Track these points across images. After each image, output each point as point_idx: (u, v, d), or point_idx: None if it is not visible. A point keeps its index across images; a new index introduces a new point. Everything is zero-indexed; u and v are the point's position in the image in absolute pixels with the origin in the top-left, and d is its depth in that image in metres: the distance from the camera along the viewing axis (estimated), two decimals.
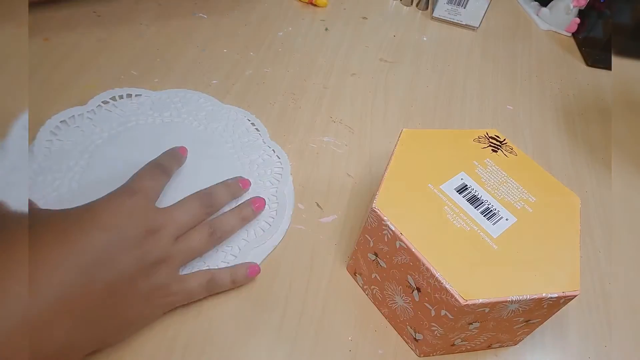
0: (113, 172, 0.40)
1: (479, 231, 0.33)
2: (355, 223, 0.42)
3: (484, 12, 0.66)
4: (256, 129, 0.47)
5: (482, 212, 0.34)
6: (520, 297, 0.30)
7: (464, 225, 0.33)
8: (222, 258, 0.37)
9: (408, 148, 0.37)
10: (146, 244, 0.30)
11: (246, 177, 0.40)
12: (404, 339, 0.36)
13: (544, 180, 0.37)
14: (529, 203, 0.35)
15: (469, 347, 0.36)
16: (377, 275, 0.35)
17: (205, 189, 0.37)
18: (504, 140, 0.40)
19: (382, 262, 0.34)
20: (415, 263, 0.31)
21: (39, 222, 0.29)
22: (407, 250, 0.31)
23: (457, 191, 0.35)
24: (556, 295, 0.30)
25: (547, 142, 0.55)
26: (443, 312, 0.31)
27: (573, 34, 0.72)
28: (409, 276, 0.32)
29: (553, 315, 0.34)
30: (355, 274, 0.38)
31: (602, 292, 0.42)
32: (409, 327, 0.35)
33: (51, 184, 0.38)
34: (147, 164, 0.36)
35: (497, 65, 0.63)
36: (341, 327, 0.36)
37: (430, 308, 0.32)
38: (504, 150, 0.39)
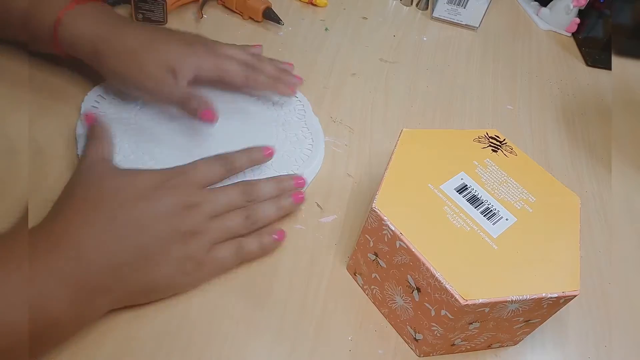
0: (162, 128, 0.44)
1: (479, 231, 0.33)
2: (355, 223, 0.42)
3: (484, 12, 0.66)
4: None
5: (482, 212, 0.34)
6: (520, 297, 0.30)
7: (464, 225, 0.33)
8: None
9: (408, 148, 0.37)
10: (182, 215, 0.33)
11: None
12: (404, 339, 0.36)
13: (544, 180, 0.37)
14: (529, 203, 0.35)
15: (469, 347, 0.36)
16: (377, 275, 0.35)
17: (249, 180, 0.39)
18: (504, 140, 0.40)
19: (382, 262, 0.34)
20: (415, 263, 0.31)
21: (78, 190, 0.33)
22: (407, 250, 0.31)
23: (457, 191, 0.35)
24: (556, 295, 0.30)
25: (547, 142, 0.55)
26: (443, 312, 0.31)
27: (573, 34, 0.72)
28: (409, 276, 0.32)
29: (553, 315, 0.34)
30: (355, 274, 0.38)
31: (602, 292, 0.42)
32: (409, 327, 0.35)
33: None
34: (216, 155, 0.38)
35: (497, 65, 0.63)
36: (341, 327, 0.36)
37: (430, 308, 0.32)
38: (504, 150, 0.39)
